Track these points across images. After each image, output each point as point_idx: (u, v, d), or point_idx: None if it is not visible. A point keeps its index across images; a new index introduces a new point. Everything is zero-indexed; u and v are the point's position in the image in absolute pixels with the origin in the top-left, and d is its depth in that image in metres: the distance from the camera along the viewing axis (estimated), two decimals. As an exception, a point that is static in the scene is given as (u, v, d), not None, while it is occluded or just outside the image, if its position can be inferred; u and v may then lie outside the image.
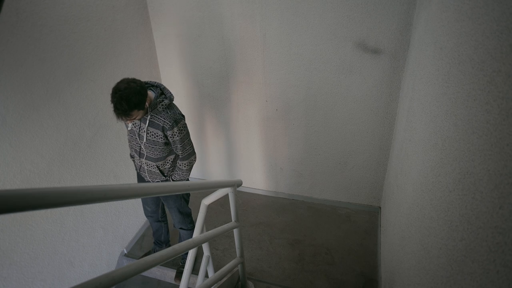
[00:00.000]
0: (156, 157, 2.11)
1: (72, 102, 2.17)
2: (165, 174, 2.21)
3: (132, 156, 2.34)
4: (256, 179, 3.42)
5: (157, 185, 1.10)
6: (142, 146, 2.09)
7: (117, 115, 1.80)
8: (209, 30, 2.73)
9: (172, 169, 2.23)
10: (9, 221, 1.87)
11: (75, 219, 2.30)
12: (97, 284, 0.79)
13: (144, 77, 2.76)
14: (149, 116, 1.97)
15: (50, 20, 1.94)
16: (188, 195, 2.49)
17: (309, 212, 3.21)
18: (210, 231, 1.62)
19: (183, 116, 2.08)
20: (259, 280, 2.58)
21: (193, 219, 2.56)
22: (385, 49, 2.37)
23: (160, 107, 1.96)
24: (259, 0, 2.47)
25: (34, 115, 1.93)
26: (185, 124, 2.08)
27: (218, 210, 3.24)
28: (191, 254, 1.99)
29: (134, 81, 1.80)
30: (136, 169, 2.32)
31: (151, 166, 2.15)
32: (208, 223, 3.03)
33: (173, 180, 2.23)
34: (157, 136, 2.02)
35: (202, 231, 1.90)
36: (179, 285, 2.12)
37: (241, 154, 3.32)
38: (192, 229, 2.53)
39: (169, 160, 2.18)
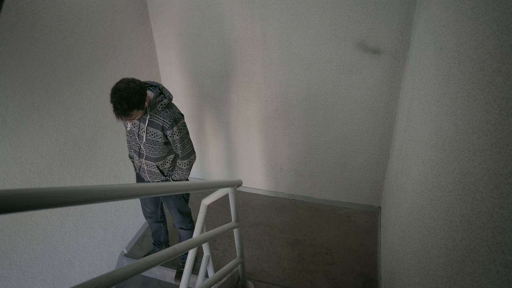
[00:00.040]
0: (156, 157, 2.11)
1: (72, 102, 2.17)
2: (165, 174, 2.21)
3: (131, 157, 2.34)
4: (256, 179, 3.42)
5: (157, 185, 1.10)
6: (141, 146, 2.09)
7: (117, 115, 1.80)
8: (209, 30, 2.73)
9: (172, 168, 2.23)
10: (9, 221, 1.87)
11: (75, 219, 2.30)
12: (97, 284, 0.79)
13: (144, 77, 2.76)
14: (148, 116, 1.97)
15: (50, 20, 1.94)
16: (188, 194, 2.49)
17: (309, 212, 3.21)
18: (210, 231, 1.62)
19: (182, 115, 2.09)
20: (259, 280, 2.58)
21: (193, 219, 2.56)
22: (385, 49, 2.37)
23: (159, 107, 1.96)
24: (259, 0, 2.47)
25: (34, 115, 1.93)
26: (185, 123, 2.08)
27: (218, 210, 3.24)
28: (191, 254, 1.99)
29: (133, 81, 1.80)
30: (136, 170, 2.32)
31: (151, 166, 2.15)
32: (208, 223, 3.03)
33: (173, 180, 2.23)
34: (156, 135, 2.02)
35: (202, 231, 1.90)
36: (179, 285, 2.12)
37: (241, 154, 3.32)
38: (192, 229, 2.53)
39: (169, 160, 2.18)
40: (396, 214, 1.99)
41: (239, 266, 2.16)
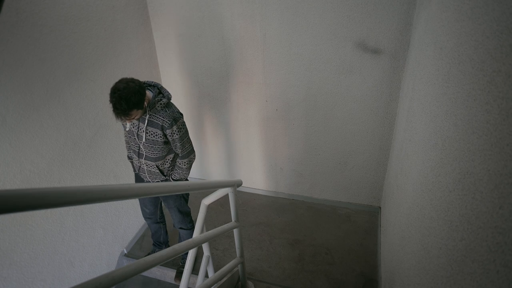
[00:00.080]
0: (156, 156, 2.11)
1: (72, 102, 2.17)
2: (165, 174, 2.21)
3: (129, 158, 2.33)
4: (256, 179, 3.42)
5: (157, 185, 1.10)
6: (141, 146, 2.09)
7: (116, 115, 1.80)
8: (209, 30, 2.73)
9: (171, 168, 2.23)
10: (9, 221, 1.87)
11: (75, 219, 2.30)
12: (97, 284, 0.79)
13: (144, 77, 2.76)
14: (147, 116, 1.97)
15: (50, 20, 1.94)
16: (187, 194, 2.49)
17: (309, 212, 3.21)
18: (210, 231, 1.62)
19: (181, 114, 2.09)
20: (259, 280, 2.58)
21: (192, 218, 2.56)
22: (385, 49, 2.37)
23: (158, 106, 1.97)
24: (259, 0, 2.47)
25: (34, 115, 1.93)
26: (184, 122, 2.09)
27: (218, 210, 3.24)
28: (191, 254, 1.99)
29: (132, 80, 1.81)
30: (135, 170, 2.32)
31: (151, 166, 2.15)
32: (208, 223, 3.03)
33: (173, 179, 2.23)
34: (156, 135, 2.02)
35: (202, 231, 1.90)
36: (179, 285, 2.12)
37: (241, 154, 3.32)
38: (191, 228, 2.53)
39: (169, 160, 2.19)
40: (396, 214, 1.99)
41: (239, 266, 2.16)
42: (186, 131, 2.10)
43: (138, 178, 2.34)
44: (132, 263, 0.94)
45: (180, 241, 2.68)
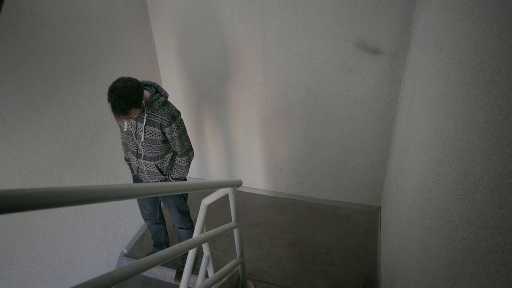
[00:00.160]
0: (154, 155, 2.11)
1: (72, 102, 2.17)
2: (164, 173, 2.21)
3: (127, 160, 2.33)
4: (256, 179, 3.42)
5: (157, 185, 1.10)
6: (139, 146, 2.08)
7: (115, 114, 1.81)
8: (209, 30, 2.73)
9: (170, 167, 2.23)
10: (9, 221, 1.87)
11: (75, 219, 2.30)
12: (97, 284, 0.79)
13: (144, 77, 2.76)
14: (146, 115, 1.97)
15: (50, 20, 1.94)
16: (187, 193, 2.49)
17: (309, 212, 3.21)
18: (210, 231, 1.62)
19: (179, 112, 2.09)
20: (259, 280, 2.58)
21: (192, 218, 2.56)
22: (385, 49, 2.37)
23: (156, 105, 1.97)
24: (259, 0, 2.47)
25: (34, 115, 1.93)
26: (182, 120, 2.09)
27: (218, 210, 3.24)
28: (191, 254, 1.99)
29: (130, 79, 1.81)
30: (133, 172, 2.31)
31: (150, 166, 2.15)
32: (208, 223, 3.03)
33: (172, 178, 2.23)
34: (155, 134, 2.02)
35: (202, 231, 1.90)
36: (179, 285, 2.12)
37: (241, 154, 3.32)
38: (191, 228, 2.53)
39: (167, 159, 2.19)
40: (396, 214, 1.99)
41: (239, 266, 2.16)
42: (185, 129, 2.11)
43: (137, 180, 2.34)
44: (132, 263, 0.94)
45: (180, 241, 2.68)
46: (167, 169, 2.23)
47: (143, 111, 1.95)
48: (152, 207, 2.47)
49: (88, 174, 2.38)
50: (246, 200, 3.39)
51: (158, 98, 1.98)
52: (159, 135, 2.03)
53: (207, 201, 1.91)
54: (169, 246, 2.77)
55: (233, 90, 2.95)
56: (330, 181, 3.14)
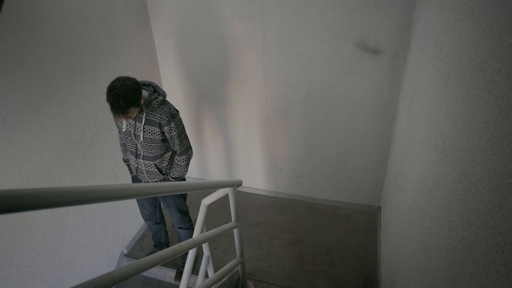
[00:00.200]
0: (154, 155, 2.11)
1: (72, 102, 2.17)
2: (163, 172, 2.22)
3: (125, 160, 2.32)
4: (256, 179, 3.42)
5: (157, 185, 1.10)
6: (138, 146, 2.08)
7: (114, 113, 1.81)
8: (209, 30, 2.73)
9: (169, 167, 2.24)
10: (9, 221, 1.87)
11: (75, 219, 2.30)
12: (97, 284, 0.79)
13: (144, 77, 2.77)
14: (144, 114, 1.97)
15: (50, 20, 1.94)
16: (186, 192, 2.49)
17: (309, 212, 3.21)
18: (210, 231, 1.62)
19: (178, 110, 2.10)
20: (259, 280, 2.58)
21: (191, 218, 2.57)
22: (385, 49, 2.37)
23: (155, 104, 1.97)
24: (259, 0, 2.47)
25: (34, 115, 1.93)
26: (181, 118, 2.10)
27: (218, 210, 3.24)
28: (191, 254, 1.99)
29: (129, 79, 1.82)
30: (132, 172, 2.31)
31: (149, 166, 2.15)
32: (208, 223, 3.03)
33: (171, 177, 2.23)
34: (154, 133, 2.02)
35: (202, 231, 1.90)
36: (179, 285, 2.12)
37: (241, 154, 3.32)
38: (190, 228, 2.53)
39: (166, 158, 2.19)
40: (396, 214, 1.99)
41: (239, 266, 2.16)
42: (183, 128, 2.12)
43: (136, 180, 2.34)
44: (132, 263, 0.94)
45: (179, 241, 2.68)
46: (167, 169, 2.23)
47: (141, 111, 1.95)
48: (152, 207, 2.47)
49: (88, 174, 2.38)
50: (246, 200, 3.39)
51: (157, 97, 1.98)
52: (158, 134, 2.03)
53: (207, 201, 1.91)
54: (169, 246, 2.77)
55: (233, 90, 2.95)
56: (330, 181, 3.14)
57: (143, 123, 1.99)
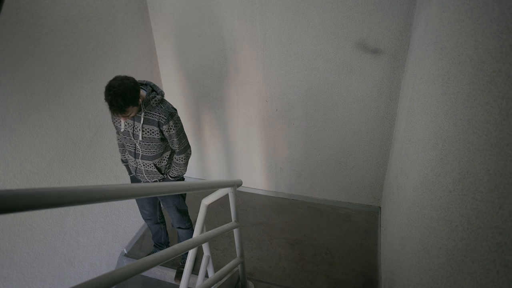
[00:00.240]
0: (153, 154, 2.11)
1: (72, 102, 2.17)
2: (163, 172, 2.22)
3: (124, 161, 2.33)
4: (256, 179, 3.42)
5: (157, 185, 1.10)
6: (137, 146, 2.09)
7: (113, 112, 1.81)
8: (209, 30, 2.73)
9: (168, 166, 2.24)
10: (9, 221, 1.87)
11: (75, 219, 2.30)
12: (97, 284, 0.79)
13: (144, 77, 2.77)
14: (143, 114, 1.98)
15: (50, 20, 1.94)
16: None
17: (309, 212, 3.21)
18: (210, 231, 1.62)
19: (176, 109, 2.10)
20: (259, 280, 2.58)
21: (190, 217, 2.57)
22: (385, 49, 2.37)
23: (153, 103, 1.98)
24: (259, 0, 2.47)
25: (34, 115, 1.93)
26: (179, 117, 2.10)
27: (218, 210, 3.24)
28: (191, 254, 1.99)
29: (127, 78, 1.82)
30: (131, 173, 2.30)
31: (148, 166, 2.15)
32: (208, 223, 3.03)
33: (170, 177, 2.23)
34: (153, 132, 2.03)
35: (202, 231, 1.90)
36: (179, 285, 2.12)
37: (241, 154, 3.32)
38: (190, 227, 2.53)
39: (165, 157, 2.19)
40: (396, 214, 1.99)
41: (239, 266, 2.16)
42: (182, 126, 2.12)
43: (135, 181, 2.33)
44: (132, 263, 0.94)
45: (179, 241, 2.68)
46: (166, 168, 2.23)
47: (140, 110, 1.95)
48: (152, 207, 2.47)
49: (88, 174, 2.38)
50: (246, 200, 3.39)
51: (155, 97, 1.99)
52: (157, 133, 2.03)
53: (207, 201, 1.91)
54: (169, 246, 2.77)
55: (233, 90, 2.95)
56: (330, 181, 3.14)
57: (141, 122, 1.99)
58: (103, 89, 1.85)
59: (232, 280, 2.21)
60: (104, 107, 2.40)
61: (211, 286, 1.73)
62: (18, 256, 1.94)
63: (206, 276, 2.17)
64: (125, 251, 2.88)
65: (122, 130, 2.07)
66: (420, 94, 1.64)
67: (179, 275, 2.64)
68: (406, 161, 1.85)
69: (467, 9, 1.06)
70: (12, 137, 1.82)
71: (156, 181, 2.23)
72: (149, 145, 2.06)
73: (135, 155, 2.13)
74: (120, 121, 2.04)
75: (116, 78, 1.80)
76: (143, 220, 2.79)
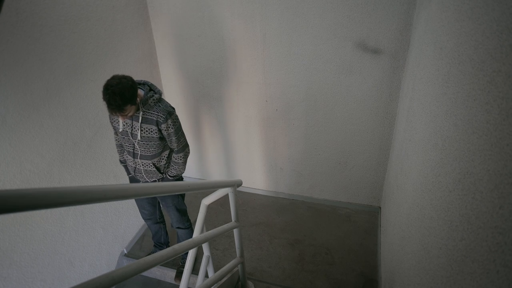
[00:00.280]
0: (152, 154, 2.11)
1: (72, 102, 2.17)
2: (162, 171, 2.22)
3: (122, 162, 2.32)
4: (256, 179, 3.42)
5: (157, 185, 1.10)
6: (136, 145, 2.09)
7: (111, 110, 1.81)
8: (209, 30, 2.73)
9: (167, 165, 2.24)
10: (9, 221, 1.87)
11: (75, 219, 2.30)
12: (97, 284, 0.79)
13: (144, 77, 2.77)
14: (141, 113, 1.98)
15: (50, 20, 1.94)
16: None
17: (309, 212, 3.21)
18: (210, 231, 1.62)
19: (174, 108, 2.11)
20: (259, 280, 2.58)
21: (190, 218, 2.57)
22: (385, 49, 2.37)
23: (151, 102, 1.98)
24: (259, 0, 2.47)
25: (34, 115, 1.93)
26: (177, 115, 2.10)
27: (218, 210, 3.24)
28: (191, 254, 1.99)
29: (124, 77, 1.82)
30: (130, 173, 2.30)
31: (147, 165, 2.15)
32: (208, 223, 3.03)
33: (169, 176, 2.23)
34: (151, 131, 2.03)
35: (202, 231, 1.90)
36: (179, 285, 2.12)
37: (241, 154, 3.32)
38: (189, 227, 2.53)
39: (164, 156, 2.19)
40: (396, 214, 1.99)
41: (239, 266, 2.16)
42: (180, 125, 2.13)
43: (133, 181, 2.33)
44: (132, 263, 0.94)
45: (178, 241, 2.68)
46: (165, 167, 2.23)
47: (138, 109, 1.96)
48: (151, 207, 2.48)
49: (88, 174, 2.38)
50: (246, 200, 3.39)
51: (153, 96, 1.99)
52: (156, 132, 2.04)
53: (207, 201, 1.91)
54: (169, 246, 2.77)
55: (233, 90, 2.95)
56: (330, 181, 3.14)
57: (140, 121, 1.99)
58: (103, 89, 1.85)
59: (232, 280, 2.21)
60: (104, 107, 2.40)
61: (211, 286, 1.73)
62: (18, 256, 1.94)
63: (206, 276, 2.17)
64: (125, 251, 2.88)
65: (120, 130, 2.07)
66: (420, 94, 1.64)
67: (179, 275, 2.64)
68: (406, 161, 1.85)
69: (467, 9, 1.06)
70: (12, 137, 1.82)
71: (155, 180, 2.23)
72: (148, 144, 2.07)
73: (134, 155, 2.13)
74: (118, 122, 2.04)
75: (114, 77, 1.81)
76: (143, 220, 2.79)
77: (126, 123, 2.03)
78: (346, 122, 2.77)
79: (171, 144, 2.13)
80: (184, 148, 2.17)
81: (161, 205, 2.63)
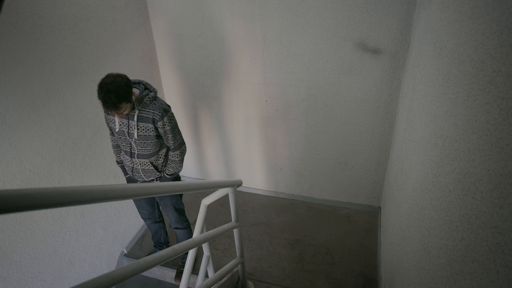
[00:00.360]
0: (149, 153, 2.11)
1: (72, 102, 2.17)
2: (159, 170, 2.22)
3: (119, 163, 2.32)
4: (256, 179, 3.42)
5: (157, 184, 1.10)
6: (133, 144, 2.09)
7: (107, 108, 1.81)
8: (209, 30, 2.73)
9: (165, 164, 2.24)
10: (9, 221, 1.87)
11: (75, 219, 2.30)
12: (97, 284, 0.79)
13: (144, 77, 2.77)
14: (137, 112, 1.98)
15: (50, 20, 1.94)
16: None
17: (309, 212, 3.21)
18: (210, 231, 1.62)
19: (169, 106, 2.11)
20: (259, 280, 2.58)
21: (188, 218, 2.56)
22: (385, 49, 2.37)
23: (147, 100, 1.99)
24: (259, 0, 2.47)
25: (34, 115, 1.93)
26: (173, 113, 2.11)
27: (218, 210, 3.24)
28: (191, 254, 1.99)
29: (119, 75, 1.83)
30: (127, 173, 2.30)
31: (145, 164, 2.15)
32: (208, 223, 3.03)
33: (167, 174, 2.23)
34: (148, 130, 2.03)
35: (202, 231, 1.90)
36: (179, 285, 2.12)
37: (241, 154, 3.32)
38: (187, 227, 2.53)
39: (162, 155, 2.19)
40: (396, 214, 1.99)
41: (239, 266, 2.16)
42: (176, 122, 2.13)
43: (131, 181, 2.32)
44: (132, 263, 0.94)
45: (177, 241, 2.67)
46: (162, 166, 2.23)
47: (133, 108, 1.96)
48: (150, 206, 2.48)
49: (88, 174, 2.38)
50: (246, 200, 3.39)
51: (148, 94, 2.00)
52: (152, 131, 2.04)
53: (207, 201, 1.91)
54: (169, 246, 2.77)
55: (233, 90, 2.95)
56: (330, 181, 3.14)
57: (136, 120, 2.00)
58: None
59: (232, 280, 2.21)
60: (104, 107, 2.40)
61: (211, 286, 1.73)
62: (18, 256, 1.94)
63: (206, 276, 2.17)
64: (125, 251, 2.88)
65: (117, 130, 2.06)
66: (420, 94, 1.64)
67: (179, 275, 2.64)
68: (406, 161, 1.85)
69: (467, 9, 1.06)
70: (12, 137, 1.82)
71: (153, 179, 2.23)
72: (144, 143, 2.07)
73: (131, 155, 2.13)
74: (115, 121, 2.04)
75: (109, 76, 1.81)
76: (143, 220, 2.79)
77: (123, 123, 2.03)
78: (346, 122, 2.77)
79: (167, 142, 2.14)
80: (180, 145, 2.18)
81: (160, 205, 2.63)
